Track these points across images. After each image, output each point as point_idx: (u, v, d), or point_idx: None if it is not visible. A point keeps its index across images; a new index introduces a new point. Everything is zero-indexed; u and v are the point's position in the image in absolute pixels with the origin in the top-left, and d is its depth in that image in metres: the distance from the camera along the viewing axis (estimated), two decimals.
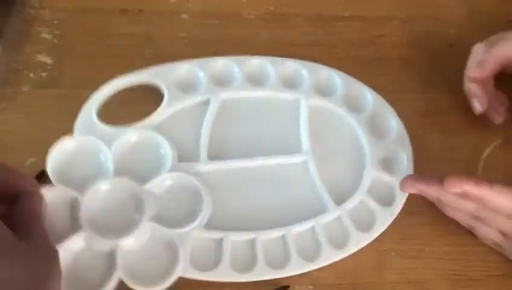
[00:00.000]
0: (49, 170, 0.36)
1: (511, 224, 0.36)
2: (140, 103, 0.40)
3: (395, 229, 0.39)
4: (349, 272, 0.37)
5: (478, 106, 0.43)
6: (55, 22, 0.46)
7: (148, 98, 0.41)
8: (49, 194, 0.34)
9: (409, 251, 0.39)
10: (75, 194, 0.35)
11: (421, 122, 0.44)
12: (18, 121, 0.40)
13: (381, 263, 0.38)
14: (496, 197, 0.35)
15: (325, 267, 0.37)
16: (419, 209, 0.40)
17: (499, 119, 0.44)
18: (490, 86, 0.44)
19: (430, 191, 0.37)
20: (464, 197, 0.36)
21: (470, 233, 0.39)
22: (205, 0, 0.48)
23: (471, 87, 0.43)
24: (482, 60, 0.43)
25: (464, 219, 0.39)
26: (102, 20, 0.46)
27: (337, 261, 0.37)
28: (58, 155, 0.37)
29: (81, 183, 0.36)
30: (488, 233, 0.38)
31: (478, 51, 0.43)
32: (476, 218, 0.38)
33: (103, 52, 0.44)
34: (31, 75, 0.43)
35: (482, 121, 0.44)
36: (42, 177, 0.36)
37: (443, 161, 0.42)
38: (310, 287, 0.37)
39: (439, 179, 0.36)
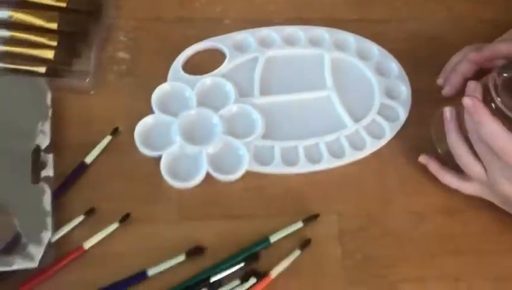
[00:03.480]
0: (155, 105, 0.52)
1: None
2: (210, 60, 0.57)
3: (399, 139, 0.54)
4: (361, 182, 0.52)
5: (447, 91, 0.52)
6: (129, 28, 0.59)
7: (215, 57, 0.57)
8: (156, 119, 0.51)
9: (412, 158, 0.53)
10: (172, 118, 0.52)
11: (416, 65, 0.58)
12: (107, 101, 0.54)
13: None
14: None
15: (347, 200, 0.51)
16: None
17: (448, 91, 0.52)
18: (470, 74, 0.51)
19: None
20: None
21: None
22: (243, 10, 0.61)
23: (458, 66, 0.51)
24: (482, 46, 0.51)
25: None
26: (163, 25, 0.59)
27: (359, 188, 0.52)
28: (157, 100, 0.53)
29: (176, 113, 0.52)
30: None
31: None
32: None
33: (165, 49, 0.57)
34: (114, 68, 0.56)
35: None
36: (116, 131, 0.52)
37: (435, 92, 0.56)
38: (334, 216, 0.50)
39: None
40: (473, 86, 0.45)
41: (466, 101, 0.44)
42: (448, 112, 0.48)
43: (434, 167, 0.50)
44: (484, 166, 0.45)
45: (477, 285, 0.48)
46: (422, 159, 0.51)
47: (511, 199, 0.45)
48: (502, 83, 0.45)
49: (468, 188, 0.48)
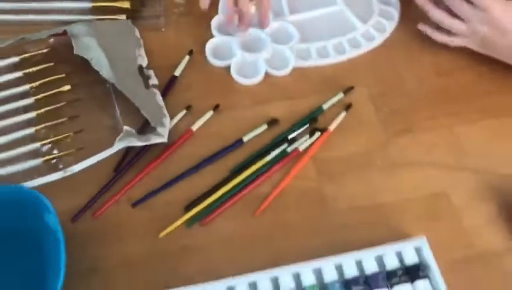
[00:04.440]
0: (214, 30, 0.69)
1: None
2: None
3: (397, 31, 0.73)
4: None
5: None
6: None
7: None
8: (220, 39, 0.68)
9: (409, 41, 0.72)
10: (232, 38, 0.68)
11: None
12: (175, 34, 0.71)
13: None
14: None
15: (369, 76, 0.69)
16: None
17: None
18: None
19: None
20: None
21: None
22: None
23: None
24: None
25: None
26: None
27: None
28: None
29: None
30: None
31: None
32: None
33: None
34: (175, 10, 0.74)
35: None
36: (191, 53, 0.68)
37: None
38: (363, 87, 0.69)
39: None
40: None
41: None
42: None
43: (429, 30, 0.68)
44: (463, 21, 0.65)
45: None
46: (421, 26, 0.69)
47: (489, 40, 0.64)
48: None
49: (455, 41, 0.67)
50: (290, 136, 0.63)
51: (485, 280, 0.54)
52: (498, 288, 0.54)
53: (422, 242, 0.54)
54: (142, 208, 0.57)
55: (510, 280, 0.55)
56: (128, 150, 0.60)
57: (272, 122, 0.64)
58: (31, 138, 0.58)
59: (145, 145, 0.59)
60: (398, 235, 0.56)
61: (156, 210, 0.57)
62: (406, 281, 0.52)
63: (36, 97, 0.61)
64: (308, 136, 0.63)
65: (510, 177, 0.61)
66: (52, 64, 0.63)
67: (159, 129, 0.59)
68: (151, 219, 0.57)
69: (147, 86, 0.62)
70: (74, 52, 0.63)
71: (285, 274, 0.52)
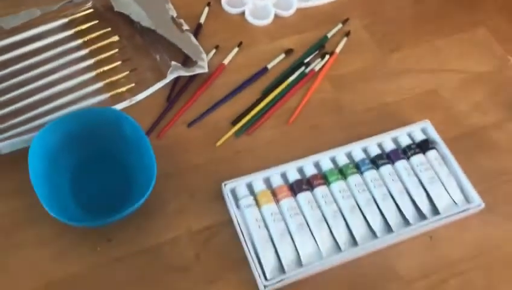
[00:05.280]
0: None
1: None
2: None
3: None
4: None
5: None
6: None
7: None
8: None
9: None
10: None
11: None
12: None
13: None
14: None
15: (357, 8, 0.83)
16: None
17: None
18: None
19: None
20: None
21: None
22: None
23: None
24: None
25: None
26: None
27: None
28: None
29: None
30: None
31: None
32: None
33: None
34: None
35: None
36: (209, 4, 0.81)
37: None
38: (357, 20, 0.83)
39: None
40: None
41: None
42: None
43: None
44: None
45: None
46: None
47: None
48: None
49: None
50: (305, 61, 0.75)
51: (478, 147, 0.69)
52: (488, 152, 0.69)
53: (426, 124, 0.68)
54: (196, 127, 0.69)
55: (495, 145, 0.70)
56: (175, 83, 0.71)
57: (288, 51, 0.76)
58: (93, 80, 0.69)
59: (189, 78, 0.71)
60: (404, 124, 0.69)
61: (208, 127, 0.69)
62: (419, 153, 0.66)
63: (90, 48, 0.71)
64: (320, 59, 0.76)
65: (483, 73, 0.76)
66: (96, 22, 0.74)
67: (200, 62, 0.70)
68: (206, 134, 0.68)
69: (182, 31, 0.73)
70: (115, 10, 0.73)
71: (324, 158, 0.65)
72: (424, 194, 0.63)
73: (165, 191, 0.62)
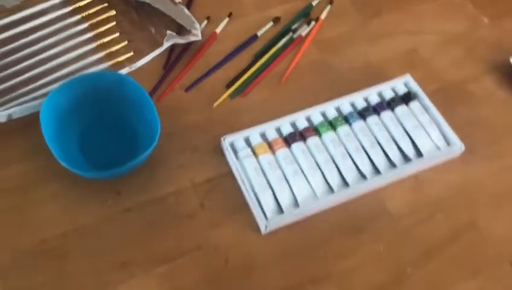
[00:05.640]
0: None
1: None
2: None
3: None
4: None
5: None
6: None
7: None
8: None
9: None
10: None
11: None
12: None
13: None
14: None
15: None
16: None
17: None
18: None
19: None
20: None
21: None
22: None
23: None
24: None
25: None
26: None
27: None
28: None
29: None
30: None
31: None
32: None
33: None
34: None
35: None
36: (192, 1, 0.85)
37: None
38: None
39: None
40: None
41: None
42: None
43: None
44: None
45: None
46: None
47: None
48: None
49: None
50: (292, 27, 0.80)
51: (456, 98, 0.75)
52: (466, 102, 0.74)
53: (408, 78, 0.73)
54: (194, 92, 0.73)
55: (472, 96, 0.75)
56: (170, 53, 0.75)
57: (276, 19, 0.81)
58: (94, 51, 0.73)
59: (184, 48, 0.75)
60: (388, 80, 0.74)
61: (205, 91, 0.73)
62: (402, 104, 0.71)
63: (90, 22, 0.75)
64: (306, 26, 0.80)
65: (460, 33, 0.82)
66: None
67: (194, 31, 0.75)
68: (203, 97, 0.72)
69: (175, 3, 0.78)
70: None
71: (315, 113, 0.70)
72: (409, 140, 0.68)
73: (168, 148, 0.67)
